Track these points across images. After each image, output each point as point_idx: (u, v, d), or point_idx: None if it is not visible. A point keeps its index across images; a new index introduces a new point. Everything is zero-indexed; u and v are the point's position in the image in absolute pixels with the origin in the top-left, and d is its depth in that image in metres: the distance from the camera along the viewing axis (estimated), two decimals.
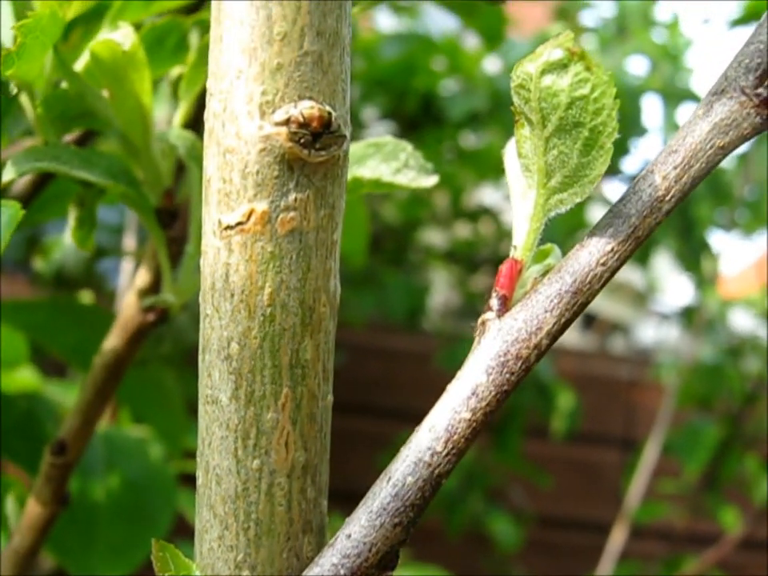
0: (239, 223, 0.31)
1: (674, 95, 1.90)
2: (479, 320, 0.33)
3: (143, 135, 0.46)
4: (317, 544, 0.33)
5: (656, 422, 1.84)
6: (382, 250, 2.18)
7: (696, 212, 1.81)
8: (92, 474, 0.71)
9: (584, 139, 0.32)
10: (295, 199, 0.31)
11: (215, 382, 0.32)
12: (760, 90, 0.32)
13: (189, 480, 0.69)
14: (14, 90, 0.44)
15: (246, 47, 0.31)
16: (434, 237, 2.32)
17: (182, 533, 1.04)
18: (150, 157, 0.47)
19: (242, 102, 0.31)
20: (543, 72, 0.31)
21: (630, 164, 2.06)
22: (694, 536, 1.98)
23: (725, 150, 0.32)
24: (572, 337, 3.51)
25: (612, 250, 0.32)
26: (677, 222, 1.83)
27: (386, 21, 2.15)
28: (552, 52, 0.31)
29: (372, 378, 2.24)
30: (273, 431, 0.32)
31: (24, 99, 0.46)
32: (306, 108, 0.31)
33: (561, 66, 0.31)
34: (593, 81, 0.31)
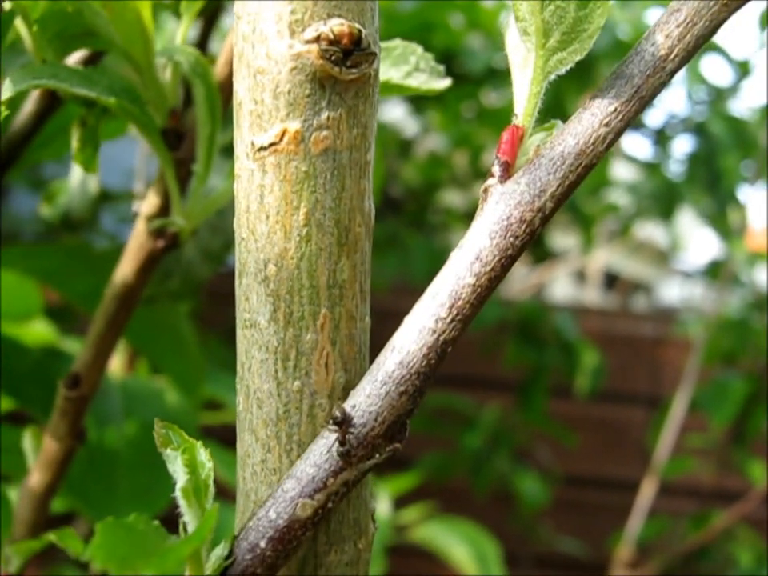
0: (272, 144, 0.31)
1: None
2: (482, 188, 0.32)
3: (145, 51, 0.44)
4: None
5: (683, 377, 1.83)
6: (403, 213, 2.17)
7: (722, 163, 1.79)
8: (110, 422, 0.70)
9: None
10: (328, 118, 0.31)
11: (253, 305, 0.32)
12: None
13: (211, 433, 0.67)
14: (7, 6, 0.42)
15: None
16: (454, 198, 2.31)
17: None
18: (153, 75, 0.45)
19: (271, 22, 0.30)
20: None
21: (652, 116, 2.03)
22: (721, 491, 1.98)
23: (729, 8, 0.31)
24: (594, 296, 3.49)
25: (615, 110, 0.31)
26: (703, 174, 1.81)
27: None
28: None
29: None
30: (312, 352, 0.31)
31: (20, 24, 0.44)
32: (336, 25, 0.30)
33: None
34: None
